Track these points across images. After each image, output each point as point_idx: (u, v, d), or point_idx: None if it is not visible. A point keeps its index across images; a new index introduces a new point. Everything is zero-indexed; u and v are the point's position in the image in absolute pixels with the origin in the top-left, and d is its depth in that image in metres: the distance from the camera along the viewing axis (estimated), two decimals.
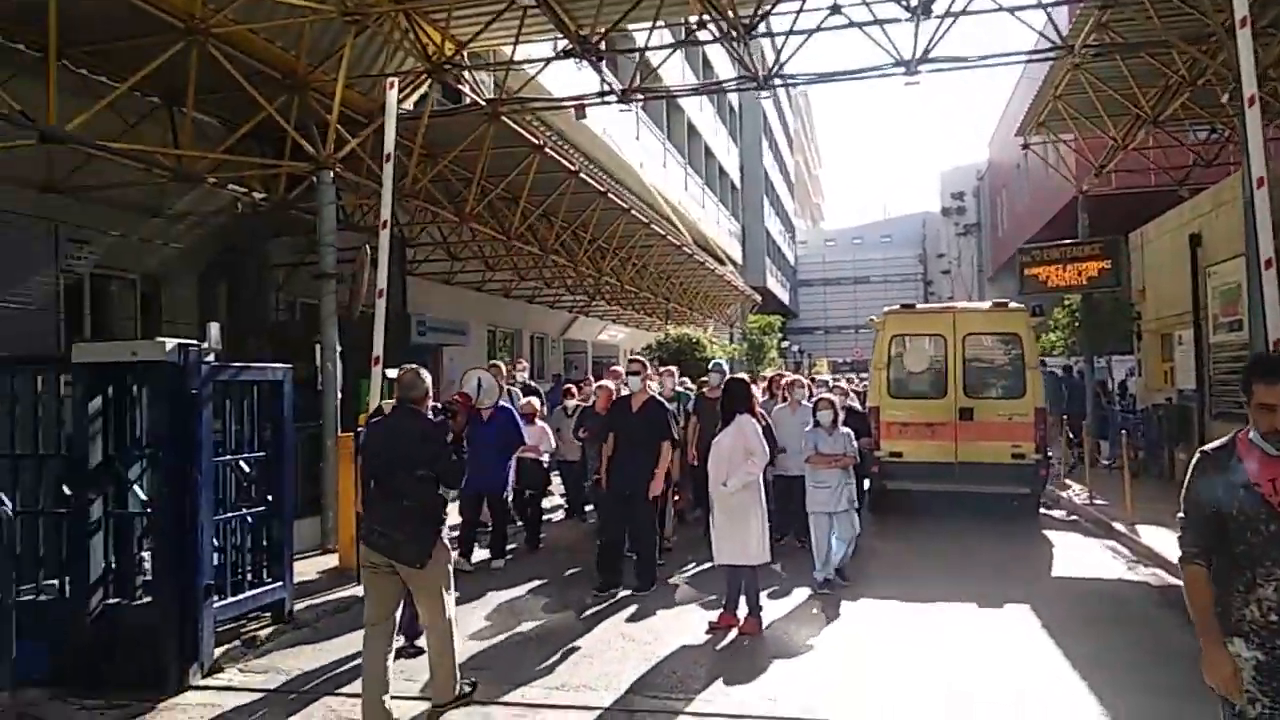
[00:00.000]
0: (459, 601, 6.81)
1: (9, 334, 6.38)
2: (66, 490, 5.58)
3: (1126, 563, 8.88)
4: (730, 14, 10.11)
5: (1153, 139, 15.26)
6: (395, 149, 7.58)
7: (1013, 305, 11.52)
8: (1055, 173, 18.65)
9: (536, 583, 8.18)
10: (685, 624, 6.73)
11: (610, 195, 15.76)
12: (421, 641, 5.65)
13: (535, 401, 10.02)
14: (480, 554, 9.07)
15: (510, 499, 9.65)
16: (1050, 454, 11.34)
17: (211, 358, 5.72)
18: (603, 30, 9.92)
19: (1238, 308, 11.51)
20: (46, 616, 5.47)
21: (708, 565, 7.45)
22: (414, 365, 5.28)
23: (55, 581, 5.69)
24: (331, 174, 9.57)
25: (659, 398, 8.32)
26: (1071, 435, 15.78)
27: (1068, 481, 13.97)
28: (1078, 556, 9.18)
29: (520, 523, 10.11)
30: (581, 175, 14.28)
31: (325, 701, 5.25)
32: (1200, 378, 13.35)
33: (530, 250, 16.37)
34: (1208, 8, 9.84)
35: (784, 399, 9.64)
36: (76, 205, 9.78)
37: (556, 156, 13.16)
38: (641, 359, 8.69)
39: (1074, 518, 11.49)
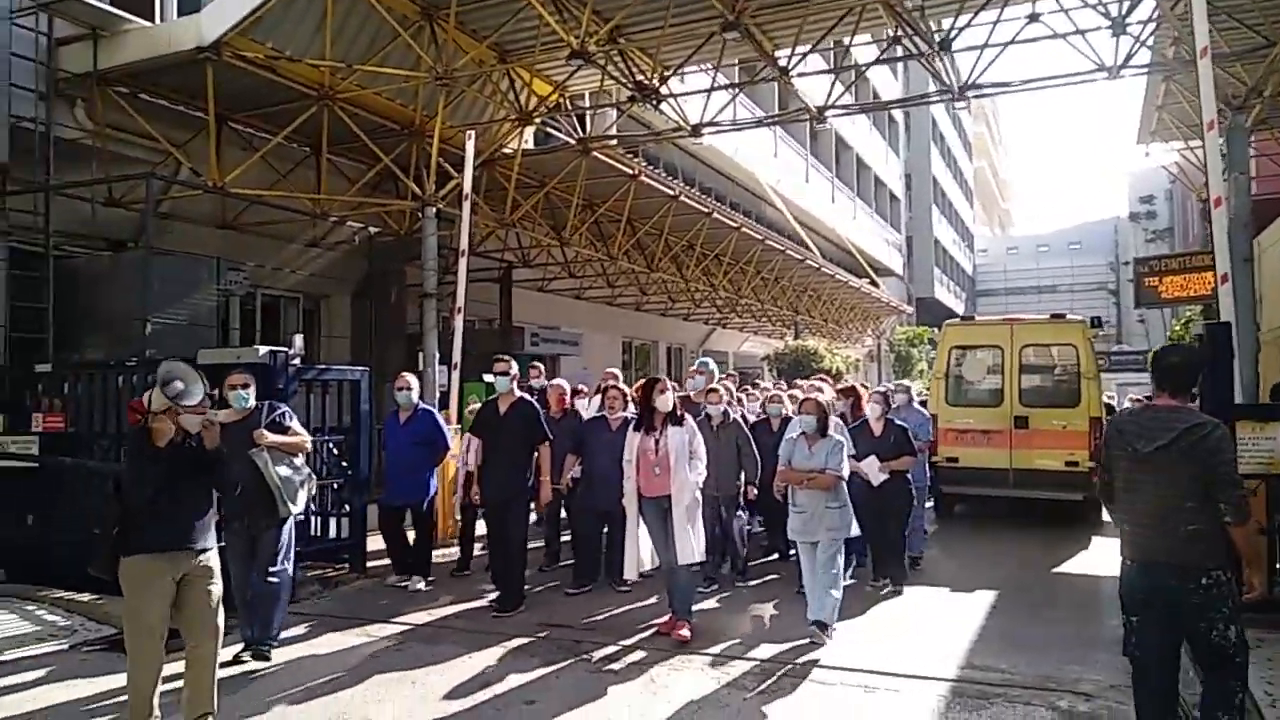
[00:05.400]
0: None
1: (172, 342, 8.42)
2: None
3: None
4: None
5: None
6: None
7: (1071, 317, 11.78)
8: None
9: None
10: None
11: (717, 215, 16.92)
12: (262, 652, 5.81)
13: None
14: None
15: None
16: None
17: (297, 361, 7.47)
18: (664, 75, 11.24)
19: None
20: None
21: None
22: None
23: None
24: (435, 210, 11.36)
25: (528, 398, 7.59)
26: None
27: None
28: (1102, 559, 9.50)
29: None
30: (682, 198, 15.54)
31: (366, 629, 6.77)
32: None
33: (637, 269, 17.76)
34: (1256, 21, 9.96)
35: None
36: (245, 238, 12.16)
37: (652, 183, 14.50)
38: (507, 358, 7.58)
39: None
